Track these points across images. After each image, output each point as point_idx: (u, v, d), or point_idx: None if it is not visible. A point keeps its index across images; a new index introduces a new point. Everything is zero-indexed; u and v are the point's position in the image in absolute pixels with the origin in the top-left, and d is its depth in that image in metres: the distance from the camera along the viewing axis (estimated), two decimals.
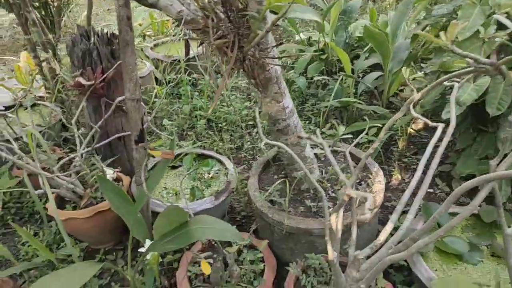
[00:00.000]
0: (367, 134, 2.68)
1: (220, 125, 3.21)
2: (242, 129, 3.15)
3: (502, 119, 1.84)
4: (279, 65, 1.72)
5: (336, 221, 1.32)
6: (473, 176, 2.27)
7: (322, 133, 2.86)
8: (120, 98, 2.16)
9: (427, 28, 2.25)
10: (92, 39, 2.23)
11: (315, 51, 3.48)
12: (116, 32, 2.12)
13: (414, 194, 1.28)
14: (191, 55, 3.78)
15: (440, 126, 1.66)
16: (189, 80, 3.70)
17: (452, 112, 1.59)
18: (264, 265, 1.80)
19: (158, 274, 1.89)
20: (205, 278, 1.83)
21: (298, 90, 3.42)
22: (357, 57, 3.39)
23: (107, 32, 2.31)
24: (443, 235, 1.75)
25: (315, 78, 3.13)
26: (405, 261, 1.68)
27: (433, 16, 1.99)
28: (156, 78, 3.85)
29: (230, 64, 1.54)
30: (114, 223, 2.18)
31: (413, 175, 2.60)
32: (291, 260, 1.80)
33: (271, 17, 1.54)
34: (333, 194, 1.98)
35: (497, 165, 1.16)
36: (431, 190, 2.38)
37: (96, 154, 2.22)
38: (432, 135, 2.86)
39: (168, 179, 2.30)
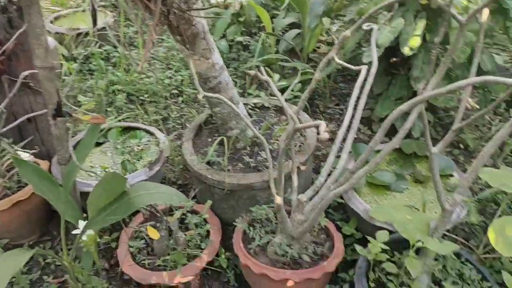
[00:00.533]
0: (292, 90, 2.75)
1: (142, 97, 3.04)
2: (167, 99, 3.02)
3: (413, 59, 2.00)
4: (206, 17, 1.65)
5: (271, 161, 1.34)
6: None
7: (249, 94, 2.87)
8: (26, 73, 1.92)
9: None
10: None
11: (232, 14, 3.42)
12: None
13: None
14: (99, 26, 3.48)
15: (364, 67, 1.75)
16: (101, 54, 3.42)
17: (373, 53, 1.68)
18: (209, 227, 1.79)
19: (97, 256, 1.78)
20: (149, 251, 1.77)
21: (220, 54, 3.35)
22: (274, 17, 3.41)
23: None
24: (373, 170, 1.89)
25: (237, 39, 3.10)
26: (342, 198, 1.78)
27: None
28: (62, 55, 3.49)
29: (155, 18, 1.44)
30: (35, 213, 2.00)
31: (338, 124, 2.76)
32: (234, 219, 1.80)
33: None
34: (270, 147, 2.01)
35: (423, 88, 1.26)
36: (355, 136, 2.54)
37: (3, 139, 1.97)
38: (350, 86, 3.03)
39: (93, 157, 2.14)
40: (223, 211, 1.95)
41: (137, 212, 1.87)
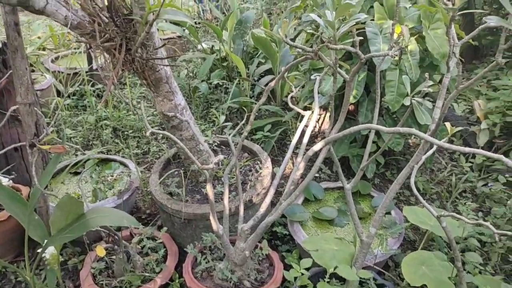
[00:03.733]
0: (262, 130, 2.97)
1: (126, 132, 3.28)
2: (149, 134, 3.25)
3: (359, 107, 2.22)
4: (167, 65, 1.90)
5: (212, 192, 1.52)
6: (347, 158, 2.67)
7: (222, 132, 3.10)
8: (14, 107, 2.16)
9: (302, 33, 2.60)
10: None
11: (217, 59, 3.73)
12: None
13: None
14: (94, 67, 3.79)
15: (307, 114, 1.97)
16: (94, 91, 3.71)
17: (315, 100, 1.91)
18: (167, 252, 1.94)
19: (61, 277, 1.93)
20: (110, 273, 1.92)
21: (202, 96, 3.63)
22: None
23: None
24: (319, 206, 2.05)
25: (215, 83, 3.37)
26: (288, 231, 1.94)
27: (304, 22, 2.33)
28: (59, 91, 3.79)
29: (118, 64, 1.68)
30: (12, 234, 2.16)
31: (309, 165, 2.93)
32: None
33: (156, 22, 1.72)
34: (228, 182, 2.20)
35: (330, 131, 1.46)
36: (317, 175, 2.73)
37: None
38: (317, 133, 3.25)
39: (70, 185, 2.34)
40: (182, 239, 2.10)
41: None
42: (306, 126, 1.93)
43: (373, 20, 2.01)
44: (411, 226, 2.13)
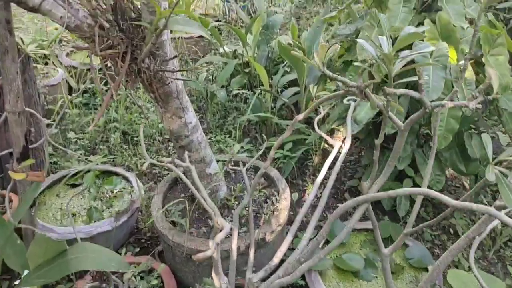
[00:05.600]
0: (282, 149, 2.69)
1: (136, 138, 3.06)
2: (160, 142, 3.02)
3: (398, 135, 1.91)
4: (179, 79, 1.64)
5: (215, 247, 1.25)
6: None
7: (241, 147, 2.83)
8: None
9: (337, 46, 2.31)
10: None
11: (239, 64, 3.46)
12: None
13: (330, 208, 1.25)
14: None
15: (337, 144, 1.69)
16: (106, 90, 3.49)
17: (348, 130, 1.62)
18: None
19: None
20: None
21: (220, 103, 3.37)
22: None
23: None
24: (343, 252, 1.77)
25: (234, 92, 3.11)
26: (304, 280, 1.66)
27: (338, 35, 2.04)
28: (71, 88, 3.60)
29: (120, 76, 1.44)
30: None
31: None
32: (194, 284, 1.71)
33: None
34: (243, 213, 1.93)
35: (369, 187, 1.17)
36: (339, 205, 2.43)
37: None
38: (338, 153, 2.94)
39: (65, 199, 2.11)
40: (184, 275, 1.85)
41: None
42: (336, 158, 1.65)
43: (422, 40, 1.70)
44: None
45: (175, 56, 1.52)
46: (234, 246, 1.47)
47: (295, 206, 2.44)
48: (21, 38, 2.07)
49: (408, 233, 1.13)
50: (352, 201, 1.05)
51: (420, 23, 1.81)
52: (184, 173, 2.14)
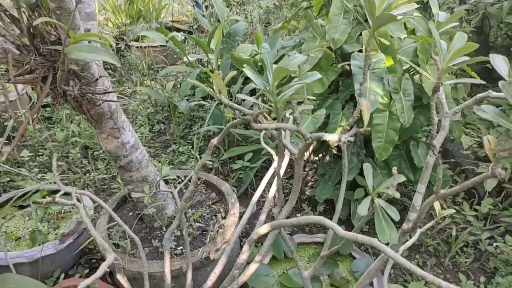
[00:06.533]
0: (242, 159, 2.66)
1: (96, 152, 3.00)
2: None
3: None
4: (110, 100, 1.60)
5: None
6: (332, 201, 2.34)
7: (199, 159, 2.80)
8: None
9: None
10: None
11: (204, 73, 3.43)
12: None
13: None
14: None
15: (276, 158, 1.66)
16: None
17: (287, 142, 1.60)
18: None
19: None
20: None
21: (183, 114, 3.33)
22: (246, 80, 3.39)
23: None
24: (290, 266, 1.74)
25: (193, 103, 3.07)
26: None
27: (284, 47, 2.01)
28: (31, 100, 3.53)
29: (39, 101, 1.39)
30: None
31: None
32: None
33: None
34: (190, 230, 1.89)
35: (279, 212, 1.14)
36: (299, 215, 2.41)
37: None
38: (306, 161, 2.92)
39: (12, 221, 2.06)
40: None
41: None
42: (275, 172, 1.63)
43: (361, 51, 1.68)
44: None
45: (101, 77, 1.47)
46: (167, 270, 1.43)
47: (252, 218, 2.41)
48: None
49: (324, 256, 1.10)
50: (265, 226, 1.02)
51: (360, 34, 1.79)
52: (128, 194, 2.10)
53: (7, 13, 1.36)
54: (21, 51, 1.35)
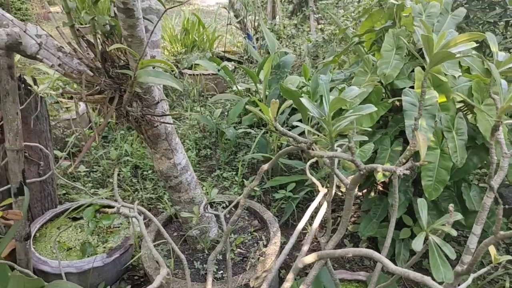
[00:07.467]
0: (285, 189, 2.67)
1: (145, 172, 3.14)
2: None
3: (390, 185, 1.86)
4: (167, 123, 1.69)
5: None
6: (375, 239, 2.27)
7: (242, 185, 2.85)
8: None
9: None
10: None
11: (252, 102, 3.53)
12: None
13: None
14: None
15: (323, 191, 1.66)
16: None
17: (333, 178, 1.60)
18: None
19: None
20: None
21: (230, 141, 3.42)
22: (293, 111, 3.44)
23: None
24: None
25: (240, 130, 3.15)
26: None
27: (333, 80, 2.05)
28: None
29: (105, 120, 1.51)
30: None
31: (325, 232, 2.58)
32: None
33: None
34: (231, 255, 1.91)
35: (327, 242, 1.14)
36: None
37: None
38: None
39: (65, 232, 2.18)
40: None
41: None
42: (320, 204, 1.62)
43: (412, 87, 1.68)
44: None
45: (161, 100, 1.58)
46: None
47: (292, 249, 2.39)
48: (34, 79, 2.21)
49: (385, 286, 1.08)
50: (311, 256, 1.02)
51: (413, 71, 1.79)
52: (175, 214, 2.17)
53: (85, 38, 1.52)
54: (94, 73, 1.49)
